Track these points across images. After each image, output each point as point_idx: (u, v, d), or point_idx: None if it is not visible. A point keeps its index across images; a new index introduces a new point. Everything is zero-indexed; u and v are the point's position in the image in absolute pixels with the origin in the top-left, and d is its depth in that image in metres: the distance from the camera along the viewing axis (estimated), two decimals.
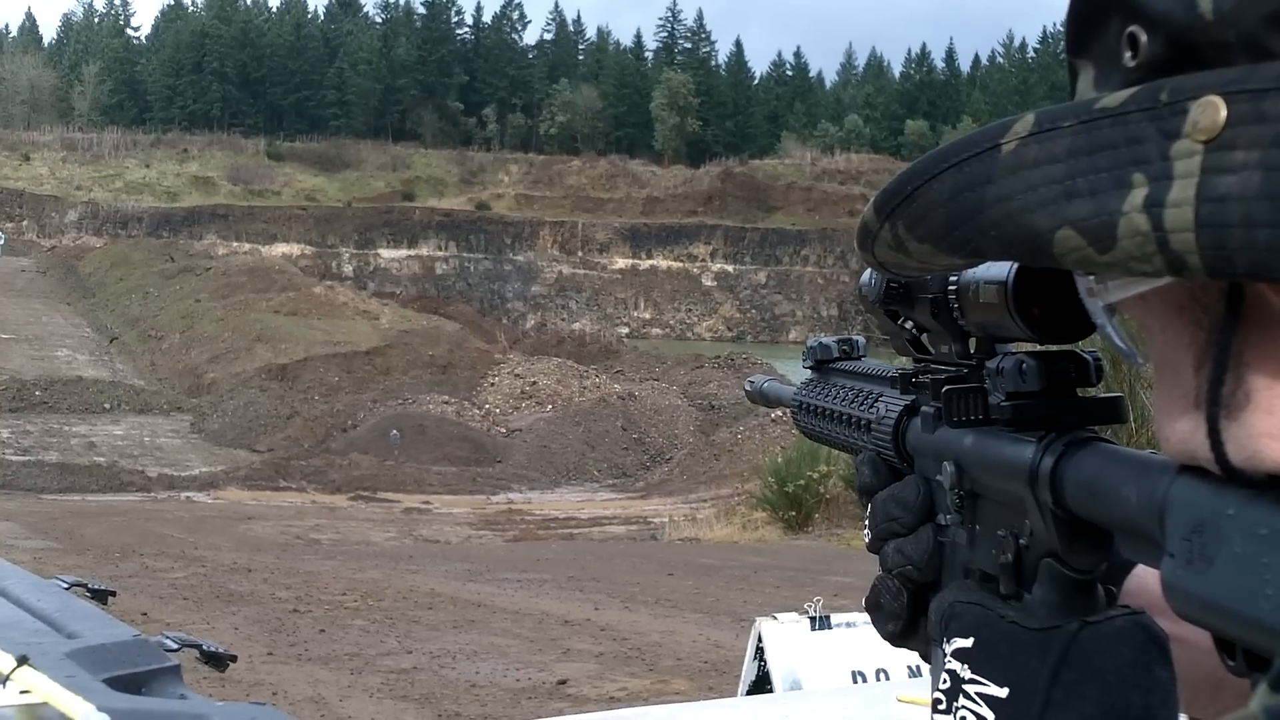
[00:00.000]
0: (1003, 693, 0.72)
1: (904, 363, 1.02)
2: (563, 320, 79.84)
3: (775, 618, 5.49)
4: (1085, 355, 0.80)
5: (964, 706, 0.75)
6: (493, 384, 41.89)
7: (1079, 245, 0.55)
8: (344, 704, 9.27)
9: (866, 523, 0.97)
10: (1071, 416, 0.77)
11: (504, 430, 37.74)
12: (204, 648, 1.12)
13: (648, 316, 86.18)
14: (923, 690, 2.56)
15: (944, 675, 0.77)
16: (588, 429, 36.24)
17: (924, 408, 0.93)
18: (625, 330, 77.77)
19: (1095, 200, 0.54)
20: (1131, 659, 0.70)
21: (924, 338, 0.97)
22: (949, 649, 0.78)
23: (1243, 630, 0.54)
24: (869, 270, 0.99)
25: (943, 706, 0.77)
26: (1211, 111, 0.50)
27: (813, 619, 5.45)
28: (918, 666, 4.66)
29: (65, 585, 1.28)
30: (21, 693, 0.84)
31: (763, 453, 27.30)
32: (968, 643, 0.76)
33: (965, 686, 0.75)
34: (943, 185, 0.62)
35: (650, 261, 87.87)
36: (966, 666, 0.75)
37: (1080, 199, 0.55)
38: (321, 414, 38.70)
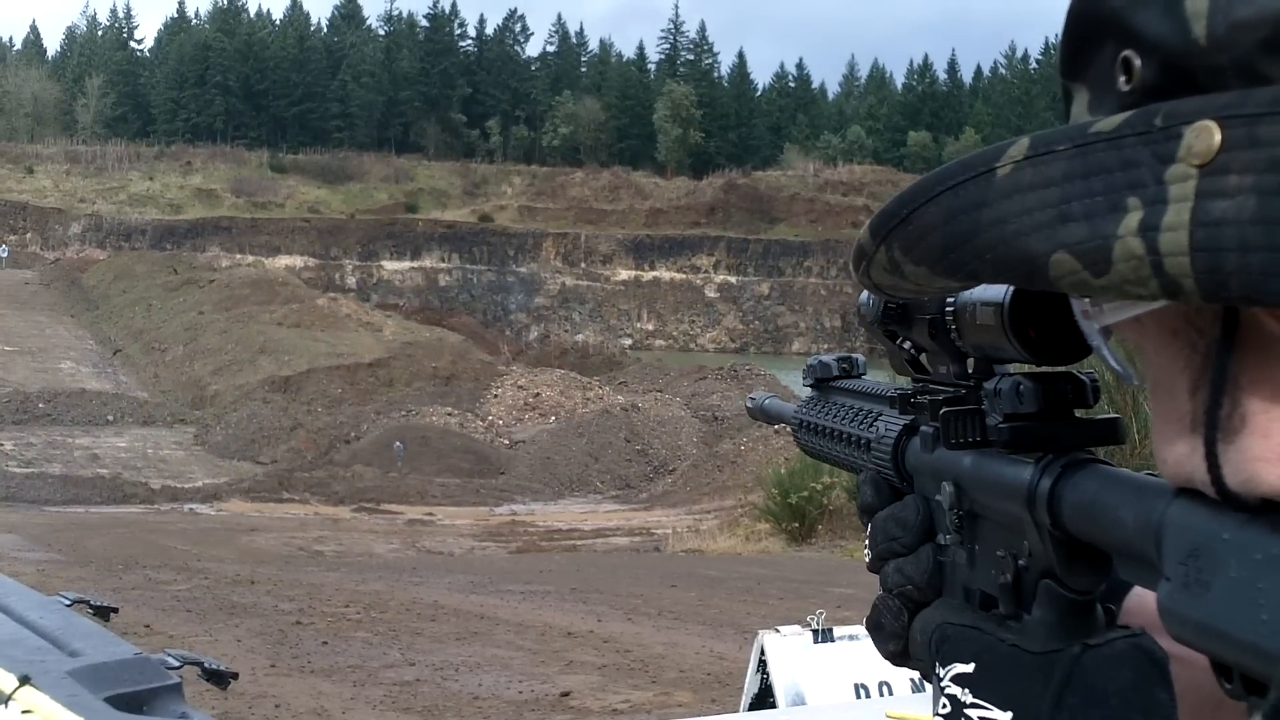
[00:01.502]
0: (1006, 717, 0.73)
1: (904, 382, 1.03)
2: (566, 332, 79.80)
3: (778, 630, 5.49)
4: (1082, 377, 0.81)
5: None
6: (496, 396, 41.87)
7: (1074, 269, 0.55)
8: (346, 716, 9.26)
9: (867, 542, 0.97)
10: (1069, 438, 0.77)
11: (507, 442, 37.72)
12: (205, 665, 1.12)
13: (651, 328, 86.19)
14: (915, 706, 2.56)
15: (944, 700, 0.77)
16: (591, 440, 36.20)
17: (923, 427, 0.94)
18: (628, 342, 77.75)
19: (1090, 224, 0.54)
20: (1133, 682, 0.70)
21: (922, 357, 0.98)
22: (946, 673, 0.78)
23: (1239, 655, 0.54)
24: (866, 291, 1.00)
25: None
26: (1206, 136, 0.51)
27: (815, 632, 5.44)
28: (920, 680, 4.64)
29: (68, 602, 1.28)
30: (24, 713, 0.84)
31: (766, 464, 27.27)
32: (969, 668, 0.76)
33: (968, 711, 0.75)
34: (938, 208, 0.62)
35: (653, 273, 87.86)
36: (968, 691, 0.75)
37: (1075, 223, 0.55)
38: (325, 426, 38.69)
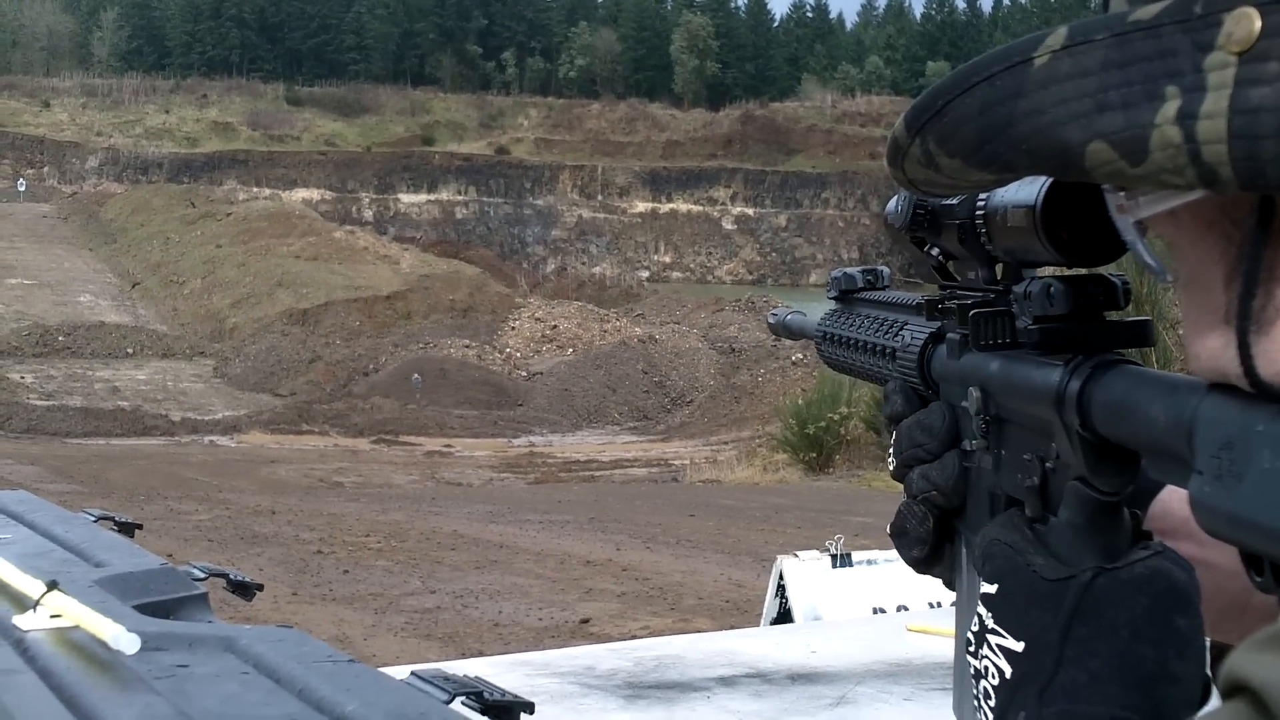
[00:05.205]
0: (1019, 647, 0.71)
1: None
2: (583, 264, 79.62)
3: (796, 555, 5.51)
4: (1113, 279, 0.80)
5: (986, 656, 0.74)
6: (513, 328, 41.89)
7: (1111, 158, 0.55)
8: (368, 643, 9.35)
9: (890, 450, 0.97)
10: (1099, 340, 0.77)
11: (525, 374, 37.78)
12: (231, 576, 1.13)
13: (668, 260, 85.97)
14: (934, 620, 2.59)
15: (975, 616, 0.77)
16: (608, 372, 36.23)
17: (950, 334, 0.94)
18: (646, 274, 77.60)
19: (1127, 113, 0.54)
20: (1147, 609, 0.68)
21: (950, 265, 0.97)
22: (981, 590, 0.77)
23: (1271, 544, 0.54)
24: (894, 198, 0.99)
25: (972, 649, 0.76)
26: (1246, 23, 0.50)
27: (834, 556, 5.46)
28: (939, 602, 4.66)
29: (92, 518, 1.29)
30: (52, 616, 0.85)
31: (783, 395, 27.30)
32: (993, 589, 0.75)
33: (988, 636, 0.74)
34: (974, 99, 0.61)
35: (670, 205, 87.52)
36: (990, 615, 0.74)
37: (1112, 112, 0.54)
38: (343, 358, 38.80)
